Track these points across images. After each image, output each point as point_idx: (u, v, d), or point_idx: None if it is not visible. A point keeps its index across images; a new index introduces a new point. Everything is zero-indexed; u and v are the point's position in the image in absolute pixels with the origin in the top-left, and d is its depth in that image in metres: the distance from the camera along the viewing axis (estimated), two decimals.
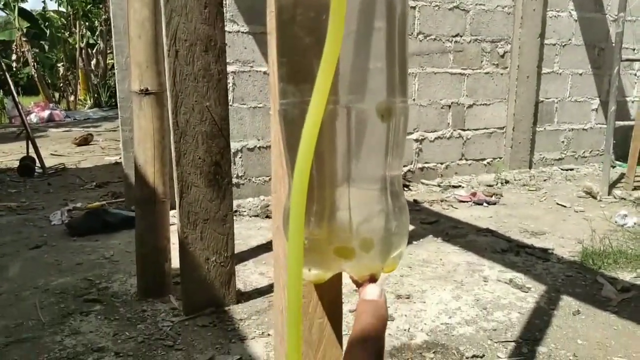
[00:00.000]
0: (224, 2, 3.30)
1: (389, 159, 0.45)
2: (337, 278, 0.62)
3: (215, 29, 1.76)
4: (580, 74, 4.64)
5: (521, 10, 4.19)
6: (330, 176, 0.44)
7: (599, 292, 2.10)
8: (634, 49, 4.79)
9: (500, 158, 4.42)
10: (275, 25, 0.48)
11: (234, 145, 3.45)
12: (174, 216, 2.12)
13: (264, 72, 3.52)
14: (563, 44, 4.50)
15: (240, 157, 3.51)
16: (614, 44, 3.72)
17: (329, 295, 0.64)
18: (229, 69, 3.36)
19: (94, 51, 14.00)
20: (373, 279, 0.44)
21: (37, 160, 4.73)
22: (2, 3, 12.82)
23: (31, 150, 4.75)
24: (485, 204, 3.49)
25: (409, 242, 2.71)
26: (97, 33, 14.01)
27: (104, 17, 12.99)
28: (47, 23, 13.85)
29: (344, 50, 0.41)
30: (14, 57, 13.31)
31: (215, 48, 1.77)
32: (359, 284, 0.44)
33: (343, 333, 0.68)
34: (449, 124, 4.17)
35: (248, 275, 2.25)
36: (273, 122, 0.57)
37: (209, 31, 1.75)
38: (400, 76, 0.46)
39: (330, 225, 0.44)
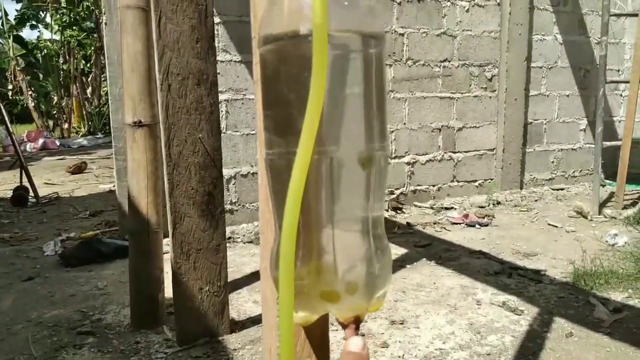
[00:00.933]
0: (217, 33, 3.37)
1: (370, 202, 0.48)
2: (324, 318, 0.63)
3: (207, 63, 1.80)
4: (568, 95, 4.73)
5: (507, 35, 4.29)
6: (315, 221, 0.46)
7: (592, 313, 2.11)
8: (618, 70, 4.90)
9: (492, 179, 4.46)
10: (260, 79, 0.51)
11: (228, 172, 3.47)
12: (167, 244, 2.13)
13: None
14: (549, 67, 4.60)
15: (233, 184, 3.53)
16: (598, 66, 3.80)
17: (316, 334, 0.66)
18: (222, 97, 3.41)
19: (88, 79, 14.09)
20: (358, 320, 0.46)
21: (30, 190, 4.72)
22: None
23: (24, 179, 4.75)
24: (477, 226, 3.51)
25: (403, 266, 2.73)
26: (91, 61, 14.11)
27: (97, 45, 13.11)
28: (42, 52, 13.95)
29: (325, 103, 0.44)
30: (9, 85, 13.39)
31: (207, 81, 1.81)
32: (344, 325, 0.46)
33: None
34: (439, 146, 4.23)
35: (242, 304, 2.25)
36: (260, 167, 0.60)
37: (201, 65, 1.79)
38: (378, 123, 0.49)
39: (316, 270, 0.46)
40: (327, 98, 0.43)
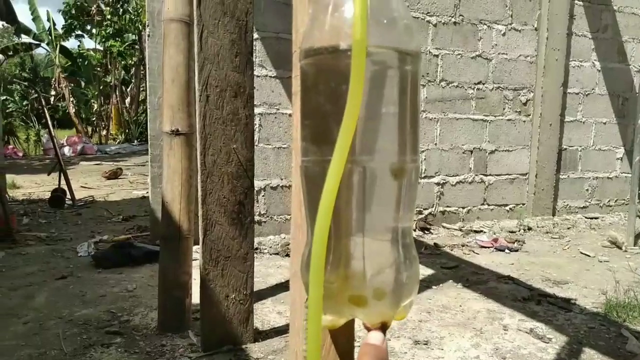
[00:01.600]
0: (254, 48, 3.45)
1: (400, 213, 0.50)
2: (350, 324, 0.65)
3: (244, 76, 1.86)
4: (604, 123, 4.63)
5: (544, 60, 4.25)
6: (346, 228, 0.48)
7: (623, 346, 2.04)
8: None
9: (523, 204, 4.39)
10: (300, 90, 0.54)
11: (258, 184, 3.53)
12: (196, 251, 2.17)
13: (289, 115, 3.63)
14: (586, 93, 4.52)
15: (263, 195, 3.58)
16: (637, 94, 3.72)
17: (342, 340, 0.67)
18: (256, 110, 3.48)
19: (127, 89, 14.57)
20: (384, 326, 0.48)
21: (67, 192, 4.89)
22: (45, 42, 13.53)
23: (63, 182, 4.93)
24: (507, 251, 3.46)
25: (429, 287, 2.70)
26: (131, 72, 14.60)
27: (138, 56, 13.57)
28: (85, 62, 14.51)
29: (361, 115, 0.47)
30: (52, 92, 13.95)
31: (244, 94, 1.87)
32: (370, 330, 0.47)
33: None
34: (470, 168, 4.19)
35: (266, 314, 2.27)
36: (294, 175, 0.62)
37: (239, 78, 1.85)
38: (412, 137, 0.51)
39: (345, 274, 0.48)
40: (363, 110, 0.45)
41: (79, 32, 14.33)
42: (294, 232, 0.68)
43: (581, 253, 3.43)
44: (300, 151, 0.54)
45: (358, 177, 0.47)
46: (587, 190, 4.64)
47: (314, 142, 0.50)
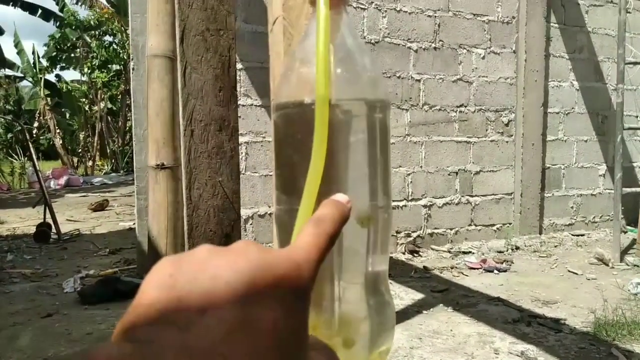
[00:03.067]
0: (239, 79, 3.49)
1: (371, 258, 0.51)
2: None
3: (229, 110, 1.87)
4: (586, 141, 4.73)
5: (523, 81, 4.35)
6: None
7: None
8: (637, 116, 4.89)
9: (510, 224, 4.42)
10: (273, 142, 0.56)
11: (246, 212, 3.52)
12: None
13: None
14: (566, 112, 4.62)
15: (250, 224, 3.57)
16: (616, 112, 3.81)
17: None
18: (243, 139, 3.50)
19: (113, 119, 14.57)
20: None
21: (53, 226, 4.84)
22: (29, 75, 13.54)
23: (48, 216, 4.87)
24: (495, 271, 3.47)
25: (419, 312, 2.69)
26: (117, 102, 14.63)
27: (124, 87, 13.61)
28: (70, 93, 14.51)
29: (328, 165, 0.48)
30: (35, 124, 13.90)
31: (229, 127, 1.88)
32: None
33: None
34: (456, 190, 4.23)
35: None
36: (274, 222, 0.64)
37: (223, 112, 1.87)
38: (382, 182, 0.52)
39: (314, 322, 0.48)
40: (330, 159, 0.47)
41: (64, 65, 14.37)
42: None
43: (569, 271, 3.45)
44: (275, 200, 0.55)
45: None
46: (572, 207, 4.69)
47: (284, 191, 0.52)
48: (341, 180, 0.50)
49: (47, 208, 4.89)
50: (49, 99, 13.84)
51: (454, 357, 2.14)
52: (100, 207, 6.73)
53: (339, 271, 0.49)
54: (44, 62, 14.31)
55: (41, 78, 13.52)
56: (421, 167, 4.10)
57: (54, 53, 13.85)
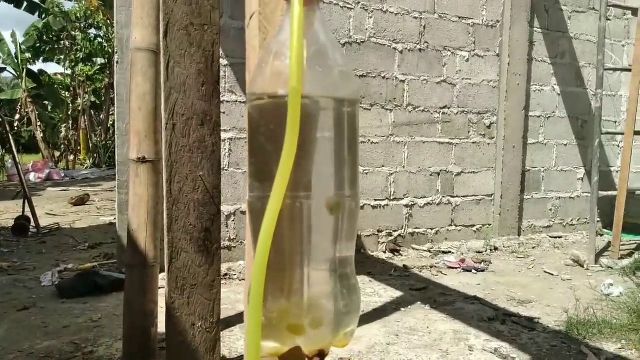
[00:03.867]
0: (224, 75, 3.49)
1: (339, 244, 0.53)
2: (300, 353, 0.67)
3: (211, 105, 1.88)
4: (565, 145, 4.82)
5: (506, 85, 4.42)
6: (286, 260, 0.51)
7: None
8: (615, 122, 5.00)
9: (490, 225, 4.49)
10: (247, 132, 0.57)
11: (228, 209, 3.53)
12: (162, 279, 2.15)
13: None
14: (547, 116, 4.70)
15: (233, 220, 3.57)
16: (594, 117, 3.90)
17: None
18: (226, 135, 3.50)
19: (96, 113, 14.39)
20: (322, 353, 0.50)
21: (32, 220, 4.77)
22: (10, 66, 13.29)
23: (27, 209, 4.81)
24: (474, 271, 3.52)
25: (397, 309, 2.73)
26: (100, 96, 14.45)
27: (108, 81, 13.46)
28: (53, 85, 14.29)
29: (299, 154, 0.50)
30: (17, 116, 13.66)
31: (211, 122, 1.89)
32: (309, 358, 0.50)
33: None
34: (438, 190, 4.28)
35: (234, 342, 2.25)
36: (247, 210, 0.65)
37: (206, 107, 1.87)
38: (350, 173, 0.54)
39: (285, 304, 0.50)
40: (300, 149, 0.49)
41: (46, 57, 14.13)
42: (248, 264, 0.71)
43: (545, 272, 3.52)
44: (248, 188, 0.57)
45: (296, 211, 0.50)
46: (551, 210, 4.78)
47: (257, 179, 0.54)
48: (311, 170, 0.52)
49: (26, 201, 4.83)
50: (30, 90, 13.61)
51: (429, 354, 2.17)
52: (81, 201, 6.65)
53: (309, 257, 0.51)
54: (27, 54, 14.07)
55: (23, 69, 13.29)
56: (404, 167, 4.14)
57: (38, 44, 13.62)
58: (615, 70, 4.47)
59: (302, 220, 0.50)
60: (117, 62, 3.44)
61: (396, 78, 4.07)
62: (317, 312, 0.50)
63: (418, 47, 4.13)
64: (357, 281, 0.56)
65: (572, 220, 4.89)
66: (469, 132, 4.37)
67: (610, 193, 3.97)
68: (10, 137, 5.70)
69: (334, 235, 0.52)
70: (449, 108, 4.27)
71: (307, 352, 0.50)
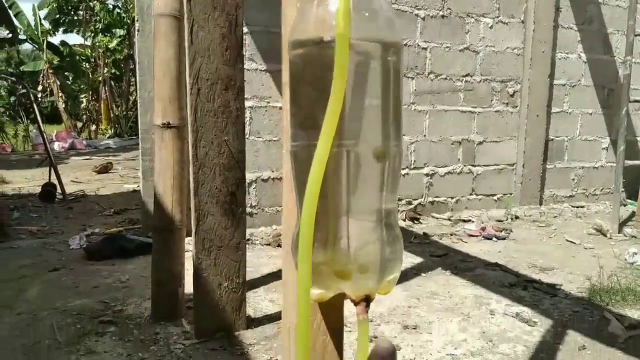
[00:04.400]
0: (244, 42, 3.47)
1: (384, 194, 0.54)
2: (340, 299, 0.69)
3: (235, 70, 1.88)
4: (590, 114, 4.71)
5: (530, 52, 4.31)
6: (333, 208, 0.53)
7: (606, 328, 2.11)
8: None
9: (511, 194, 4.46)
10: (288, 80, 0.58)
11: (249, 176, 3.56)
12: (189, 243, 2.21)
13: (279, 108, 3.65)
14: (572, 85, 4.59)
15: (254, 188, 3.61)
16: (622, 85, 3.79)
17: (332, 316, 0.71)
18: (247, 104, 3.50)
19: (117, 84, 14.47)
20: (368, 299, 0.52)
21: (58, 187, 4.89)
22: (30, 37, 13.37)
23: (53, 177, 4.92)
24: (494, 239, 3.52)
25: (418, 274, 2.76)
26: (121, 67, 14.49)
27: (127, 52, 13.48)
28: (73, 57, 14.34)
29: (346, 102, 0.51)
30: (39, 87, 13.81)
31: (235, 87, 1.90)
32: (356, 302, 0.52)
33: (344, 351, 0.74)
34: (459, 159, 4.25)
35: (258, 302, 2.31)
36: (285, 161, 0.66)
37: (230, 71, 1.87)
38: (394, 123, 0.55)
39: (331, 250, 0.52)
40: (347, 97, 0.49)
41: (66, 28, 14.15)
42: (286, 216, 0.72)
43: (567, 241, 3.51)
44: (290, 137, 0.58)
45: (343, 160, 0.51)
46: (574, 179, 4.72)
47: (301, 127, 0.54)
48: (357, 118, 0.52)
49: (52, 169, 4.93)
50: (51, 61, 13.71)
51: (451, 317, 2.20)
52: (104, 169, 6.77)
53: (356, 205, 0.52)
54: (47, 25, 14.10)
55: (44, 40, 13.36)
56: (425, 136, 4.11)
57: (57, 15, 13.63)
58: None
59: (349, 168, 0.51)
60: (138, 31, 3.44)
61: (418, 45, 4.00)
62: (364, 258, 0.52)
63: (440, 13, 4.04)
64: (399, 231, 0.57)
65: (594, 190, 4.83)
66: (491, 100, 4.30)
67: (637, 162, 3.90)
68: (35, 107, 5.79)
69: (379, 184, 0.53)
70: (471, 76, 4.20)
71: (353, 297, 0.52)
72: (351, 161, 0.52)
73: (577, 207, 4.57)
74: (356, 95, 0.52)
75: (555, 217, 4.24)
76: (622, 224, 3.80)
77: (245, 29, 3.46)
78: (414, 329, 2.07)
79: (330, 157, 0.49)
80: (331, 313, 0.71)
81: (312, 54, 0.52)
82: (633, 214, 4.00)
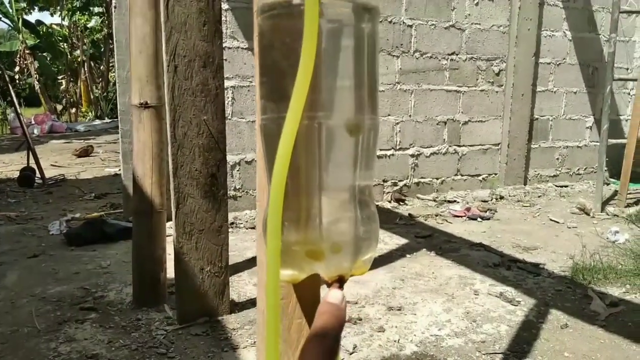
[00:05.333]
0: (225, 19, 3.38)
1: (357, 171, 0.50)
2: (315, 282, 0.66)
3: (213, 46, 1.82)
4: (575, 93, 4.71)
5: (516, 30, 4.27)
6: (304, 185, 0.49)
7: (588, 306, 2.13)
8: (627, 69, 4.87)
9: (496, 174, 4.47)
10: (257, 49, 0.53)
11: (232, 159, 3.50)
12: (170, 227, 2.16)
13: None
14: (557, 63, 4.58)
15: (238, 170, 3.56)
16: (607, 64, 3.79)
17: (308, 297, 0.68)
18: (229, 83, 3.42)
19: (96, 64, 14.14)
20: (342, 279, 0.48)
21: (37, 171, 4.77)
22: (5, 15, 12.96)
23: (32, 161, 4.80)
24: (479, 219, 3.53)
25: (403, 255, 2.75)
26: (99, 46, 14.15)
27: (107, 30, 13.15)
28: (51, 36, 13.97)
29: (316, 72, 0.46)
30: (16, 68, 13.45)
31: (214, 64, 1.83)
32: (329, 284, 0.48)
33: None
34: (444, 139, 4.23)
35: (242, 286, 2.28)
36: (257, 136, 0.62)
37: (208, 48, 1.81)
38: (369, 95, 0.51)
39: (303, 229, 0.48)
40: (318, 67, 0.45)
41: (42, 5, 13.74)
42: (259, 195, 0.68)
43: (551, 220, 3.53)
44: (260, 110, 0.54)
45: (314, 133, 0.47)
46: (558, 159, 4.74)
47: (271, 99, 0.50)
48: (329, 89, 0.48)
49: (30, 153, 4.81)
50: (27, 41, 13.32)
51: (435, 297, 2.20)
52: (85, 152, 6.64)
53: (328, 181, 0.48)
54: (22, 3, 13.67)
55: (19, 19, 12.97)
56: (410, 116, 4.07)
57: None
58: (631, 12, 4.30)
59: (321, 142, 0.47)
60: (115, 7, 3.32)
61: (403, 22, 3.93)
62: (337, 236, 0.48)
63: None
64: (375, 209, 0.53)
65: (578, 169, 4.86)
66: (477, 79, 4.27)
67: (620, 141, 3.91)
68: (11, 89, 5.62)
69: (353, 160, 0.49)
70: (457, 54, 4.16)
71: (326, 278, 0.48)
72: (322, 135, 0.48)
73: (561, 186, 4.60)
74: (328, 65, 0.48)
75: (539, 196, 4.26)
76: (605, 203, 3.83)
77: (225, 5, 3.36)
78: (399, 310, 2.06)
79: (300, 130, 0.44)
80: (306, 295, 0.68)
81: (280, 19, 0.47)
82: (616, 192, 4.03)
